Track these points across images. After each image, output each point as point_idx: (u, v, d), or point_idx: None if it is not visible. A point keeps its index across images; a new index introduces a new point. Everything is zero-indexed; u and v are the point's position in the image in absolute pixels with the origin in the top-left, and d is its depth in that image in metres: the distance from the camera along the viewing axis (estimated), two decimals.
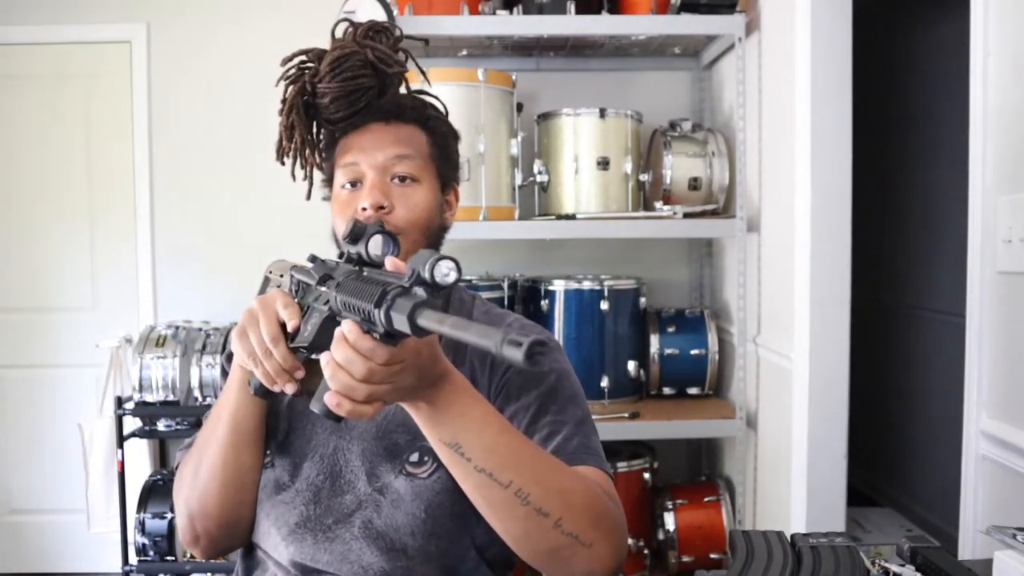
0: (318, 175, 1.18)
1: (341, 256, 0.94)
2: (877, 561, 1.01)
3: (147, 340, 2.66)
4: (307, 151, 1.14)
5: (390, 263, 0.79)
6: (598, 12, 2.61)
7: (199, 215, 3.04)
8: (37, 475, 3.08)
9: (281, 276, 1.06)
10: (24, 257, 3.08)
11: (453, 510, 1.03)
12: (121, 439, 2.60)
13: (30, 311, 3.09)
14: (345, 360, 0.74)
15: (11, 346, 3.09)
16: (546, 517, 0.86)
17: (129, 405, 2.65)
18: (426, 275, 0.68)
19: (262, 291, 1.11)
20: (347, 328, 0.74)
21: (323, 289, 0.90)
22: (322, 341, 0.86)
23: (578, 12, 2.53)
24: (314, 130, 1.15)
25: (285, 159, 1.15)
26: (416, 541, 1.02)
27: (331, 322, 0.86)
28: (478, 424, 0.84)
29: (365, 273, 0.82)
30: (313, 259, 0.98)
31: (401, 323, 0.67)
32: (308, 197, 1.18)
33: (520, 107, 2.60)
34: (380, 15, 2.36)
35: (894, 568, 0.99)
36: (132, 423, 2.71)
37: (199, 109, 3.03)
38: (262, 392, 0.99)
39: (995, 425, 1.32)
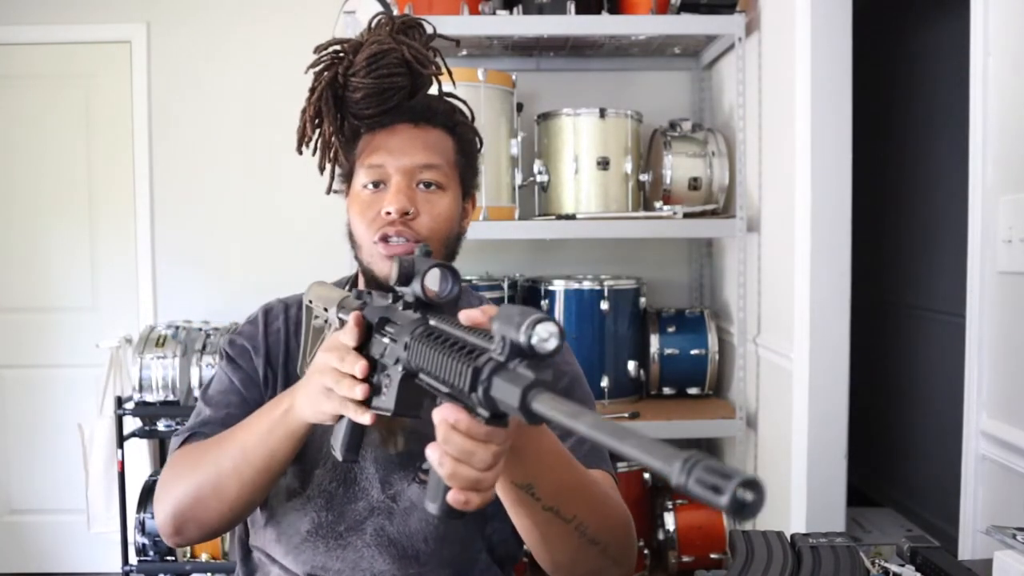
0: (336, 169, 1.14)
1: (395, 297, 0.82)
2: (877, 561, 1.01)
3: (147, 340, 2.66)
4: (331, 143, 1.09)
5: (465, 317, 0.69)
6: (598, 12, 2.61)
7: (199, 215, 3.03)
8: (37, 475, 3.08)
9: (325, 310, 0.99)
10: (24, 257, 3.08)
11: (466, 516, 1.03)
12: (121, 439, 2.60)
13: (30, 311, 3.09)
14: (463, 452, 0.65)
15: (11, 346, 3.09)
16: (596, 545, 0.86)
17: (129, 405, 2.64)
18: (522, 342, 0.56)
19: (307, 323, 1.08)
20: (453, 416, 0.64)
21: (387, 342, 0.78)
22: (407, 405, 0.76)
23: (578, 12, 2.53)
24: (338, 122, 1.10)
25: (304, 148, 1.10)
26: (429, 547, 1.02)
27: (409, 381, 0.75)
28: (552, 460, 0.80)
29: (432, 323, 0.72)
30: (359, 295, 0.90)
31: (510, 409, 0.56)
32: (328, 191, 1.14)
33: (520, 107, 2.60)
34: None
35: (894, 568, 0.99)
36: (132, 423, 2.71)
37: (199, 109, 3.03)
38: (352, 456, 0.89)
39: (995, 425, 1.32)
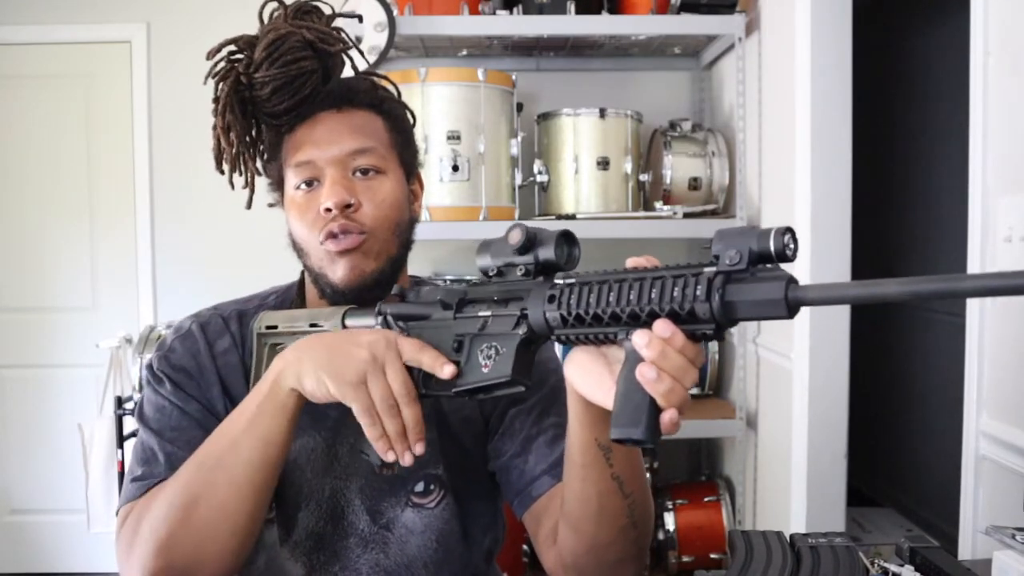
0: (261, 181, 1.06)
1: (487, 274, 0.84)
2: (877, 561, 1.01)
3: (147, 340, 2.66)
4: (245, 155, 1.00)
5: (632, 263, 0.72)
6: (598, 12, 2.61)
7: (199, 215, 3.03)
8: (37, 475, 3.08)
9: (313, 325, 0.93)
10: (24, 257, 3.08)
11: (464, 533, 1.01)
12: (121, 439, 2.60)
13: (30, 311, 3.09)
14: (678, 370, 0.65)
15: (11, 346, 3.09)
16: (636, 530, 0.85)
17: (129, 405, 2.64)
18: (772, 248, 0.60)
19: (258, 352, 0.98)
20: (669, 331, 0.64)
21: (486, 315, 0.79)
22: (522, 371, 0.76)
23: (578, 12, 2.53)
24: (253, 130, 1.01)
25: (224, 166, 1.00)
26: (429, 572, 0.99)
27: (525, 347, 0.76)
28: None
29: (570, 281, 0.73)
30: (403, 293, 0.88)
31: (762, 307, 0.59)
32: (248, 206, 1.05)
33: (520, 107, 2.60)
34: (380, 15, 2.36)
35: (893, 568, 0.99)
36: (132, 423, 2.71)
37: (199, 109, 3.00)
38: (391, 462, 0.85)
39: (995, 425, 1.32)
